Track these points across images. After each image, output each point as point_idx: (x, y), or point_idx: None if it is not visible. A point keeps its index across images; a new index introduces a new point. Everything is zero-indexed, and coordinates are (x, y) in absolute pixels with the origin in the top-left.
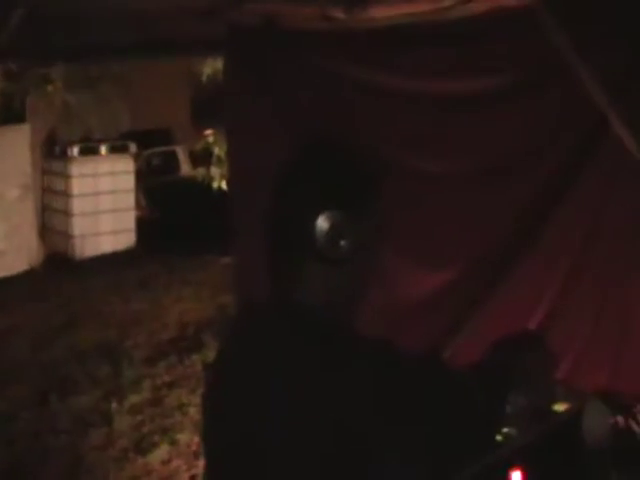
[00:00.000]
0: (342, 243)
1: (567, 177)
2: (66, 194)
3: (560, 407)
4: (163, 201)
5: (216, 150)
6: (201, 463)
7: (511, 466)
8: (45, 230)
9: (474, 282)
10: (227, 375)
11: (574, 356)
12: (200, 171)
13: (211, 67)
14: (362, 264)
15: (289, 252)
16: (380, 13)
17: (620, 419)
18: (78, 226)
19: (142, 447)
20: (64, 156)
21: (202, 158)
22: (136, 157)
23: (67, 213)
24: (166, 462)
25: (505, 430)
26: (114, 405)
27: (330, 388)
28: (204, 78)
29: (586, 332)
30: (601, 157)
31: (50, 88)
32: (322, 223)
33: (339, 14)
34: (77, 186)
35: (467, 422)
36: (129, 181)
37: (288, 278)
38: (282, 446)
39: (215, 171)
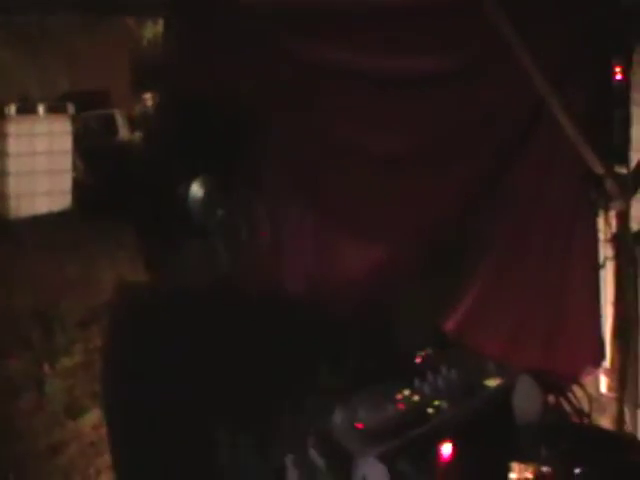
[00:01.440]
0: (219, 212)
1: (505, 161)
2: (2, 153)
3: (492, 382)
4: (100, 164)
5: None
6: None
7: (441, 439)
8: None
9: (411, 258)
10: (114, 338)
11: (509, 333)
12: (138, 135)
13: (152, 31)
14: (246, 233)
15: (161, 226)
16: None
17: (552, 397)
18: (13, 186)
19: (73, 411)
20: (0, 114)
21: (140, 122)
22: (74, 119)
23: (2, 172)
24: (97, 427)
25: (436, 403)
26: (46, 369)
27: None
28: (144, 41)
29: (521, 311)
30: (538, 141)
31: None
32: (196, 191)
33: None
34: (13, 145)
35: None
36: (66, 142)
37: (163, 253)
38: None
39: None
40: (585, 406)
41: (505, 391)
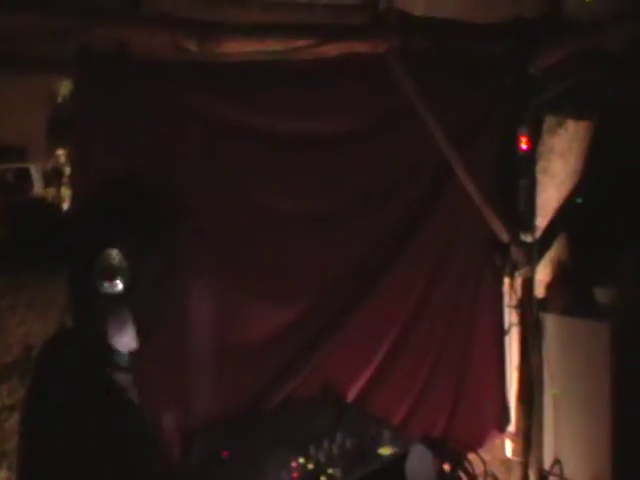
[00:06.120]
0: (118, 280)
1: (412, 222)
2: None
3: (386, 450)
4: (13, 219)
5: (67, 170)
6: None
7: None
8: None
9: (313, 325)
10: (32, 386)
11: (413, 401)
12: (50, 191)
13: (67, 87)
14: (147, 299)
15: (76, 285)
16: (233, 48)
17: (448, 466)
18: None
19: None
20: None
21: (54, 177)
22: None
23: None
24: None
25: (330, 471)
26: None
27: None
28: (59, 98)
29: (426, 378)
30: (445, 205)
31: None
32: (101, 261)
33: (191, 46)
34: None
35: None
36: None
37: (77, 307)
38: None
39: (65, 192)
40: (489, 471)
41: (398, 459)
